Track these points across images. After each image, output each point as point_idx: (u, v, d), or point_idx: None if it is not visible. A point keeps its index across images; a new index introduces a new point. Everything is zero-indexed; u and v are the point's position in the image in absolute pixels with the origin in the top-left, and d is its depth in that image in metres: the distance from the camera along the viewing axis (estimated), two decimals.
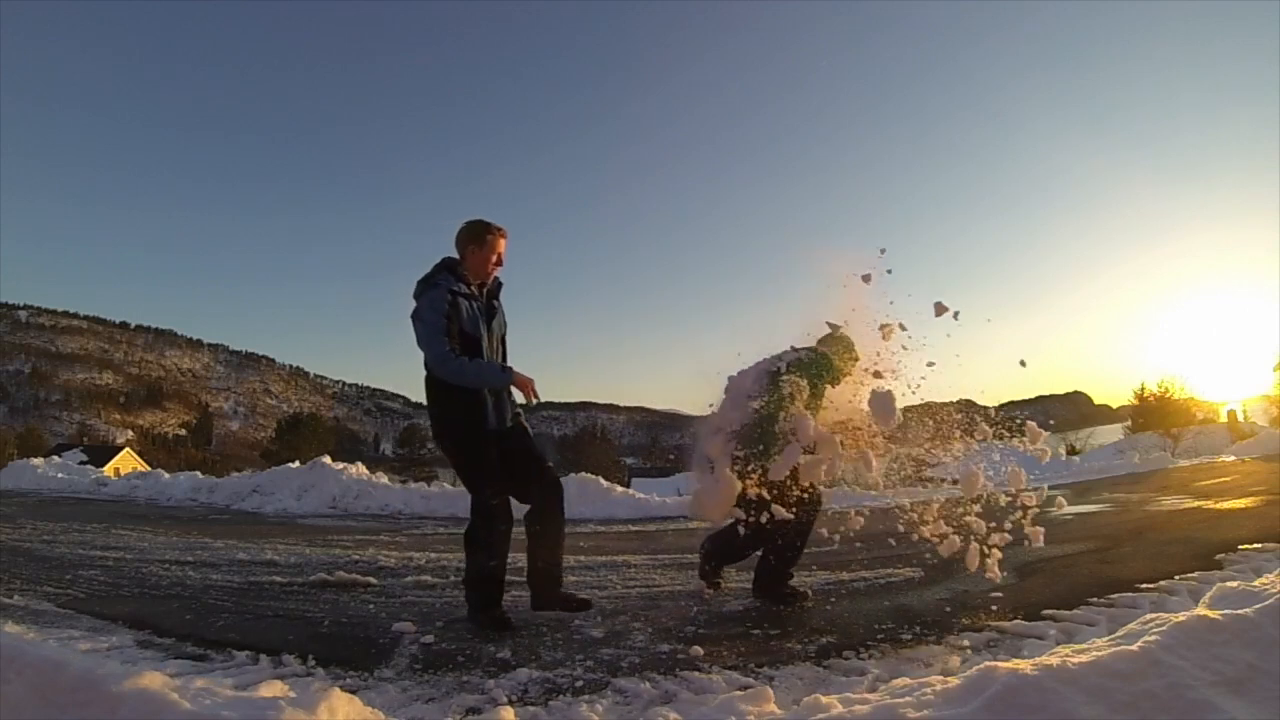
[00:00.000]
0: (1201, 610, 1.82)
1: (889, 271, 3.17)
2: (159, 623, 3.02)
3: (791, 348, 3.39)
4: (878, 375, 3.22)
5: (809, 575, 3.66)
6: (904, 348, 3.20)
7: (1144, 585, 3.17)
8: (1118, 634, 1.91)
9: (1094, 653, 1.67)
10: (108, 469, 25.54)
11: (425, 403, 3.07)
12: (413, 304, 3.01)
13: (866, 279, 3.20)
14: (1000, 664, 1.66)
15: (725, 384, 3.34)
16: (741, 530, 3.14)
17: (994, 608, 3.00)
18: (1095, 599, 3.00)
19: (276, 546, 5.12)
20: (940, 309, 3.06)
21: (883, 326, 3.20)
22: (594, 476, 8.25)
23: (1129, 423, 34.22)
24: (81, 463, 17.78)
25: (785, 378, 3.14)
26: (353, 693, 1.92)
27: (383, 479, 8.91)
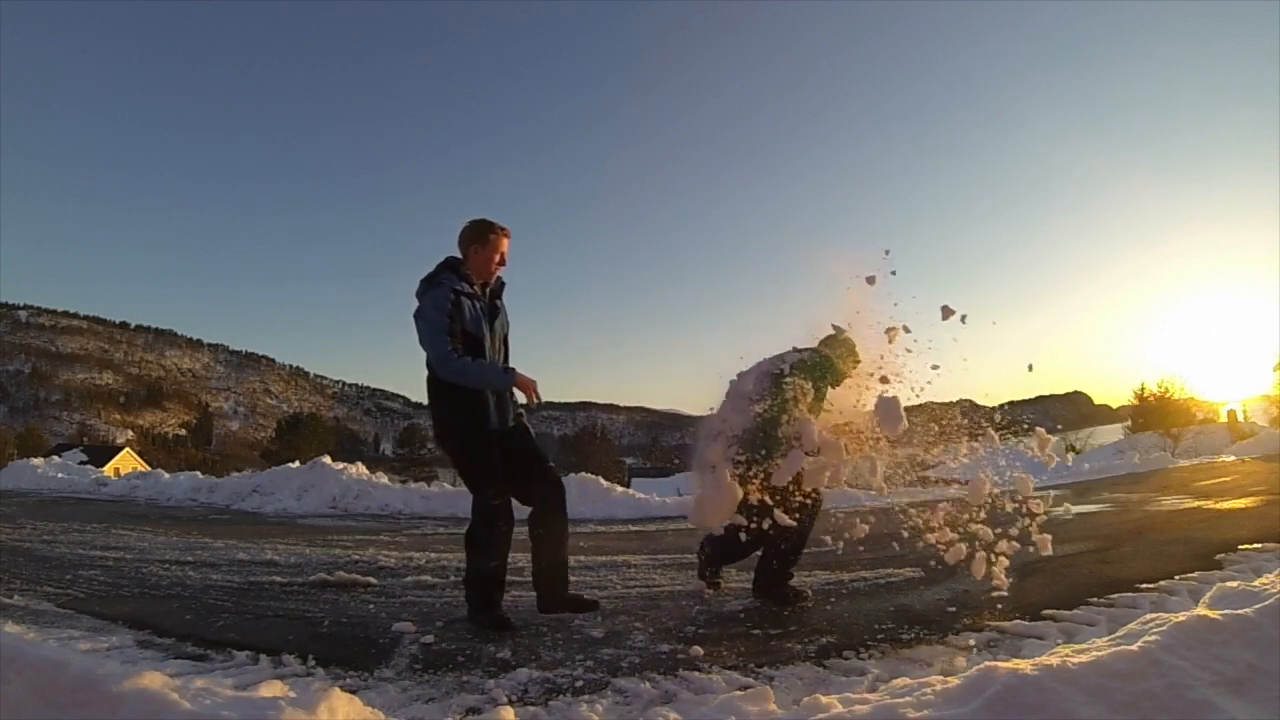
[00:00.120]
0: (1201, 610, 1.82)
1: (893, 273, 3.16)
2: (159, 623, 3.02)
3: (794, 348, 3.37)
4: (884, 380, 3.20)
5: (809, 575, 3.65)
6: (907, 350, 3.19)
7: (1144, 585, 3.17)
8: (1118, 634, 1.91)
9: (1094, 653, 1.67)
10: (108, 469, 25.53)
11: (426, 402, 3.06)
12: (415, 303, 3.00)
13: (871, 280, 3.17)
14: (1000, 664, 1.65)
15: (728, 386, 3.32)
16: (743, 537, 3.13)
17: (994, 608, 2.99)
18: (1095, 599, 3.00)
19: (276, 546, 5.12)
20: (947, 312, 3.03)
21: (888, 330, 3.18)
22: (594, 476, 8.25)
23: (1129, 423, 34.23)
24: (81, 463, 17.78)
25: (789, 379, 3.12)
26: (353, 693, 1.92)
27: (383, 479, 8.91)
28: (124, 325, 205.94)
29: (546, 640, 2.77)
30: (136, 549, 4.96)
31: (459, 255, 3.08)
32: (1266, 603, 1.78)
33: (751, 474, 3.05)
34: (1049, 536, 2.99)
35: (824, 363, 3.28)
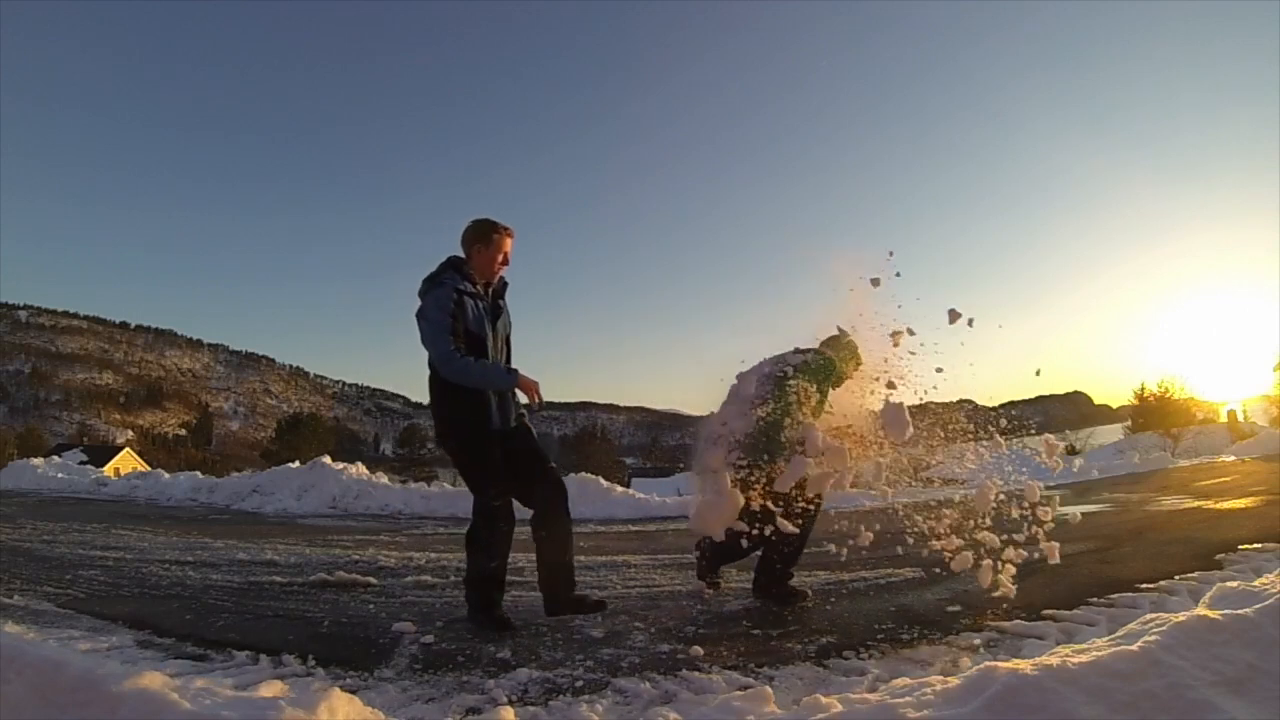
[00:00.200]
0: (1201, 610, 1.82)
1: (898, 275, 3.14)
2: (159, 623, 3.02)
3: (795, 349, 3.36)
4: (891, 386, 3.18)
5: (809, 575, 3.65)
6: (911, 353, 3.16)
7: (1144, 585, 3.17)
8: (1118, 634, 1.91)
9: (1094, 653, 1.67)
10: (108, 469, 25.53)
11: (428, 402, 3.05)
12: (418, 302, 2.99)
13: (875, 283, 3.15)
14: (1000, 664, 1.66)
15: (729, 387, 3.30)
16: (745, 543, 3.12)
17: (994, 608, 2.99)
18: (1095, 599, 3.00)
19: (276, 546, 5.12)
20: (954, 316, 3.01)
21: (893, 334, 3.15)
22: (594, 476, 8.25)
23: (1129, 423, 34.25)
24: (81, 463, 17.79)
25: (792, 382, 3.09)
26: (353, 693, 1.92)
27: (383, 479, 8.91)
28: (124, 325, 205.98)
29: (546, 640, 2.77)
30: (136, 549, 4.96)
31: (462, 254, 3.06)
32: (1266, 603, 1.78)
33: (754, 479, 3.03)
34: (1057, 544, 2.95)
35: (828, 365, 3.26)
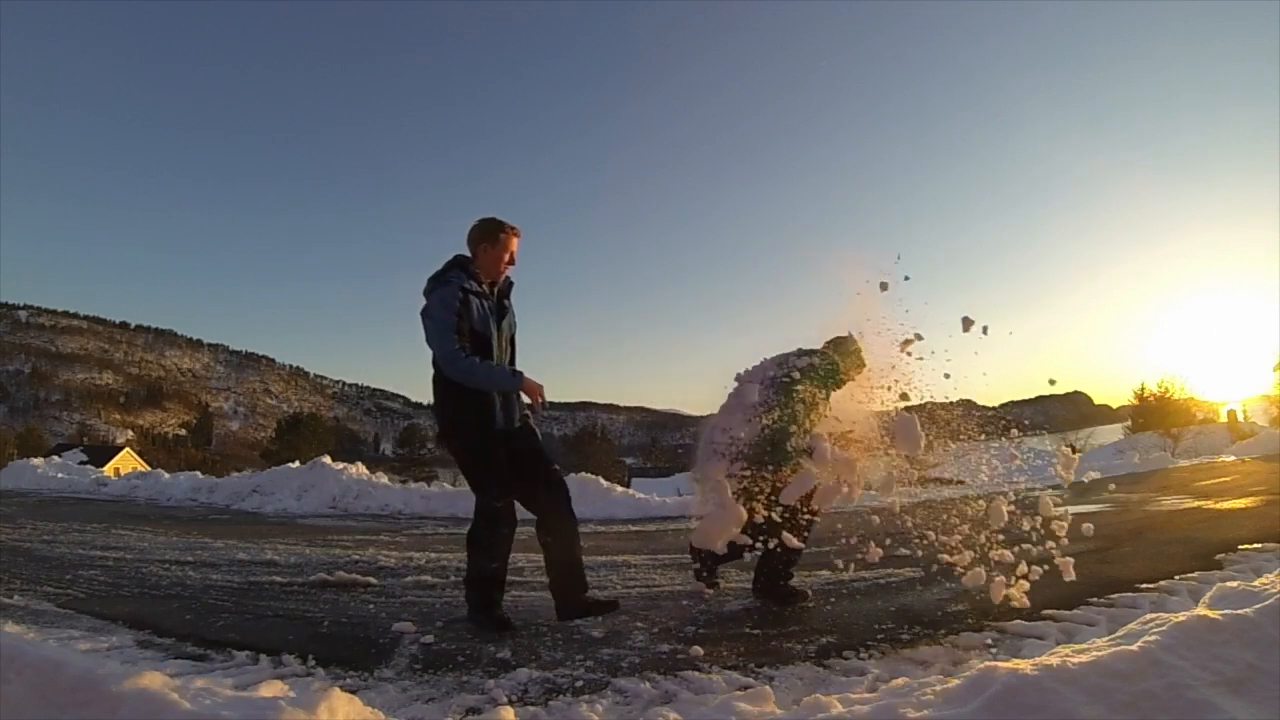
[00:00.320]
0: (1201, 610, 1.82)
1: (906, 278, 3.09)
2: (159, 623, 3.02)
3: (800, 350, 3.34)
4: (904, 397, 3.15)
5: (809, 575, 3.65)
6: (920, 359, 3.12)
7: (1144, 585, 3.17)
8: (1118, 634, 1.90)
9: (1094, 653, 1.67)
10: (108, 469, 25.55)
11: (431, 401, 3.04)
12: (422, 301, 2.97)
13: (884, 287, 3.11)
14: (1000, 664, 1.65)
15: (731, 388, 3.27)
16: (747, 556, 3.10)
17: (994, 608, 2.99)
18: (1095, 599, 3.00)
19: (276, 546, 5.13)
20: (968, 324, 2.98)
21: (904, 341, 3.12)
22: (594, 476, 8.26)
23: (1129, 423, 34.24)
24: (81, 463, 17.80)
25: (800, 387, 3.06)
26: (353, 693, 1.92)
27: (383, 479, 8.91)
28: (124, 325, 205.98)
29: (546, 640, 2.77)
30: (136, 549, 4.96)
31: (467, 254, 3.05)
32: (1266, 603, 1.78)
33: (758, 490, 3.00)
34: (1071, 560, 2.90)
35: (834, 368, 3.23)
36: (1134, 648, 1.65)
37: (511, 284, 3.15)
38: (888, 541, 3.30)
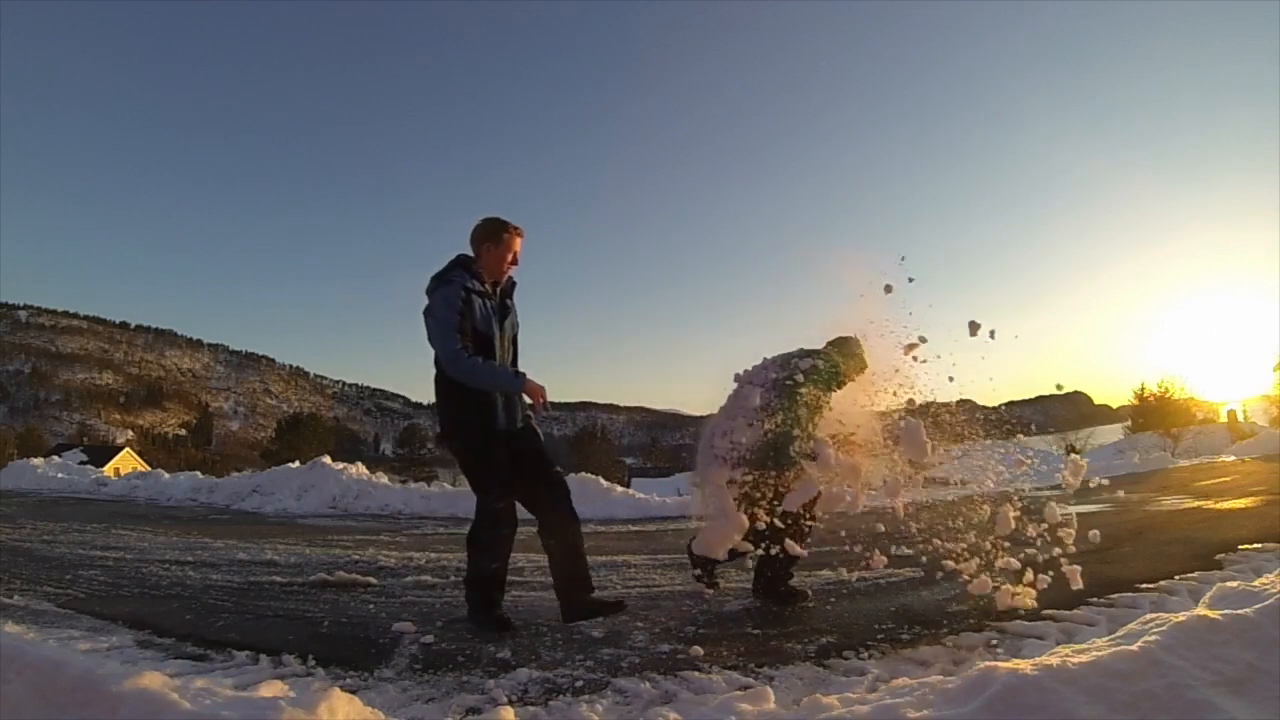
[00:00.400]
0: (1201, 610, 1.82)
1: (911, 280, 3.08)
2: (159, 623, 3.02)
3: (801, 350, 3.33)
4: (911, 403, 3.13)
5: (809, 575, 3.65)
6: (923, 361, 3.11)
7: (1144, 585, 3.17)
8: (1118, 634, 1.90)
9: (1094, 653, 1.67)
10: (108, 469, 25.55)
11: (433, 401, 3.03)
12: (424, 300, 2.96)
13: (888, 289, 3.09)
14: (1000, 664, 1.65)
15: (731, 388, 3.25)
16: (750, 563, 3.09)
17: (994, 608, 2.99)
18: (1095, 599, 2.99)
19: (276, 546, 5.13)
20: (974, 328, 2.97)
21: (908, 345, 3.10)
22: (594, 476, 8.26)
23: (1129, 423, 34.27)
24: (81, 463, 17.81)
25: (803, 390, 3.05)
26: (353, 693, 1.92)
27: (383, 479, 8.92)
28: (124, 325, 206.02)
29: (546, 640, 2.77)
30: (136, 549, 4.96)
31: (470, 253, 3.04)
32: (1266, 603, 1.78)
33: (759, 495, 2.99)
34: (1079, 568, 2.89)
35: (836, 370, 3.23)
36: (1134, 648, 1.65)
37: (514, 284, 3.14)
38: (892, 549, 3.29)
